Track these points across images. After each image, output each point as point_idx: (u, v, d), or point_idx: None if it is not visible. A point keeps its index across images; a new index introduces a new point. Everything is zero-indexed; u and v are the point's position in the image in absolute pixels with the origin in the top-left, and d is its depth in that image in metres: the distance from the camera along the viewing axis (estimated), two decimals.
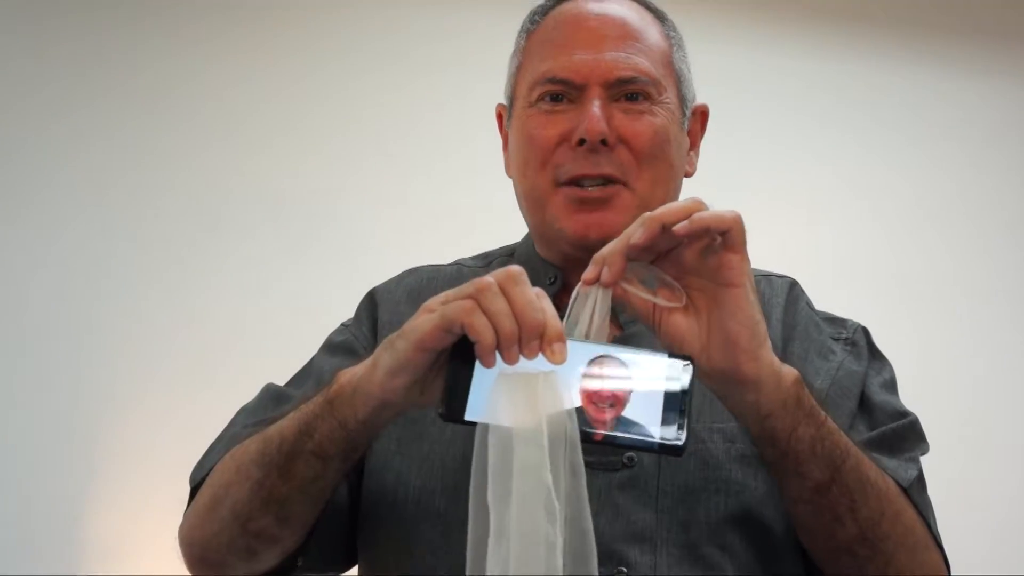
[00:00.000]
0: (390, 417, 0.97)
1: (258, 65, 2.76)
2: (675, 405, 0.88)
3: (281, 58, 2.78)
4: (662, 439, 0.87)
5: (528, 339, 0.86)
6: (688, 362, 0.90)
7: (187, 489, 1.13)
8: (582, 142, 1.13)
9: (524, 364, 0.86)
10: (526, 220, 1.24)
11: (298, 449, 0.98)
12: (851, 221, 2.95)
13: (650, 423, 0.87)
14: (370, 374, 0.93)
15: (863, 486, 0.99)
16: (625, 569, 1.02)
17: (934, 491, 1.12)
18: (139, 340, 2.55)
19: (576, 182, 1.15)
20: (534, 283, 1.19)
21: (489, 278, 0.88)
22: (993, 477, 2.83)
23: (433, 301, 0.90)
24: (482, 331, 0.85)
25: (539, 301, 0.87)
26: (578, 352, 0.88)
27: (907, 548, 1.03)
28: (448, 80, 2.76)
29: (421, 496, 1.08)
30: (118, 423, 2.50)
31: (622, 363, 0.89)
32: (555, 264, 1.20)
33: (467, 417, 0.86)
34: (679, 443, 0.87)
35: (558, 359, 0.86)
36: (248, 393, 1.21)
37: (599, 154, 1.13)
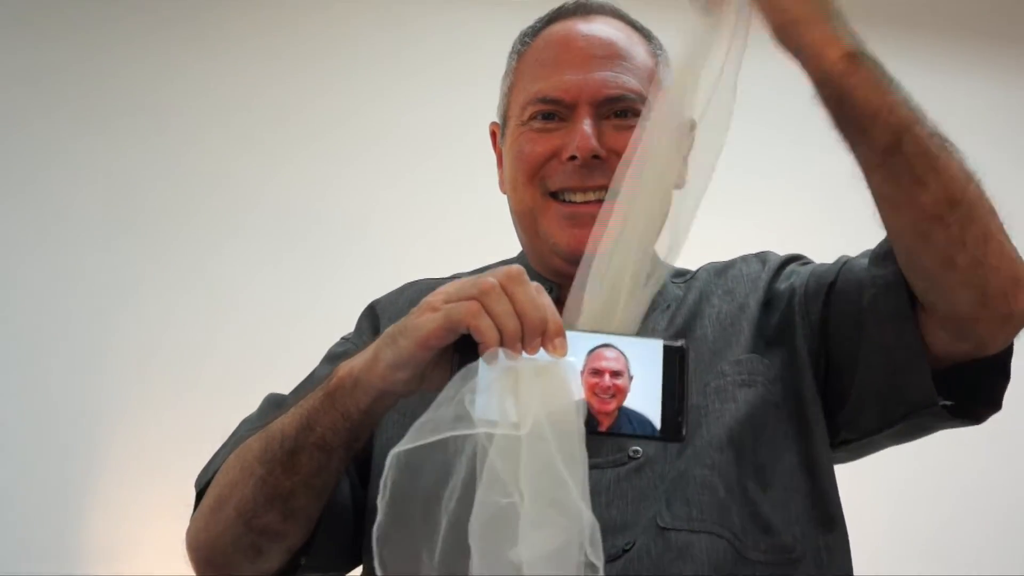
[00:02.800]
0: (391, 404, 1.00)
1: (280, 73, 2.79)
2: (673, 390, 0.91)
3: (302, 68, 2.80)
4: (664, 427, 0.91)
5: (531, 337, 0.90)
6: (684, 344, 0.94)
7: (189, 490, 1.15)
8: (573, 158, 1.17)
9: (526, 357, 0.90)
10: (519, 237, 1.27)
11: (301, 443, 1.00)
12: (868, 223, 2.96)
13: (651, 411, 0.91)
14: (371, 366, 0.96)
15: (943, 147, 0.99)
16: (634, 540, 1.04)
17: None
18: (141, 342, 2.56)
19: (564, 193, 1.18)
20: None
21: (491, 279, 0.91)
22: None
23: (435, 298, 0.93)
24: (487, 333, 0.89)
25: (540, 298, 0.91)
26: (577, 342, 0.92)
27: (999, 227, 1.01)
28: (454, 90, 2.78)
29: None
30: (119, 424, 2.50)
31: (620, 352, 0.92)
32: (550, 279, 1.23)
33: (476, 416, 0.88)
34: (679, 433, 0.91)
35: (560, 353, 0.90)
36: (251, 395, 1.23)
37: (591, 168, 1.16)
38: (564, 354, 0.90)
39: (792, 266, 1.26)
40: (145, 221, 2.65)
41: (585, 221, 1.15)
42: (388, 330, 0.96)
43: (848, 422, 1.17)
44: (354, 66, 2.84)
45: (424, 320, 0.92)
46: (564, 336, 0.90)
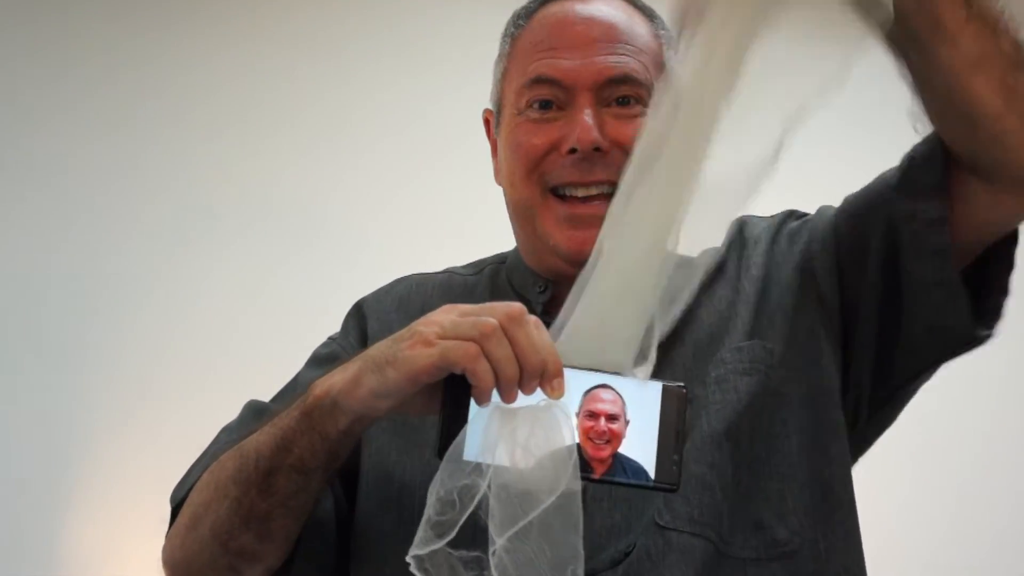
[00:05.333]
0: (370, 424, 0.97)
1: (251, 62, 2.76)
2: (669, 436, 0.89)
3: (275, 55, 2.77)
4: (658, 477, 0.89)
5: (529, 379, 0.87)
6: (684, 387, 0.91)
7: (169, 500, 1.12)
8: (573, 151, 1.11)
9: (521, 397, 0.87)
10: (515, 231, 1.22)
11: (277, 464, 0.96)
12: None
13: (645, 459, 0.89)
14: (352, 390, 0.91)
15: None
16: (635, 542, 1.02)
17: None
18: (123, 349, 2.54)
19: (565, 188, 1.13)
20: (524, 291, 1.18)
21: (492, 320, 0.87)
22: None
23: (429, 330, 0.89)
24: (484, 378, 0.86)
25: (540, 338, 0.88)
26: (574, 381, 0.89)
27: None
28: (445, 78, 2.75)
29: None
30: (100, 433, 2.49)
31: (618, 393, 0.90)
32: (544, 277, 1.18)
33: (465, 457, 0.86)
34: (674, 482, 0.89)
35: (557, 395, 0.87)
36: (234, 403, 1.20)
37: (592, 162, 1.11)
38: (561, 395, 0.87)
39: (789, 227, 1.20)
40: (132, 222, 2.62)
41: (586, 222, 1.10)
42: (373, 352, 0.92)
43: (898, 368, 1.14)
44: (355, 63, 2.81)
45: (416, 354, 0.88)
46: (562, 377, 0.88)
